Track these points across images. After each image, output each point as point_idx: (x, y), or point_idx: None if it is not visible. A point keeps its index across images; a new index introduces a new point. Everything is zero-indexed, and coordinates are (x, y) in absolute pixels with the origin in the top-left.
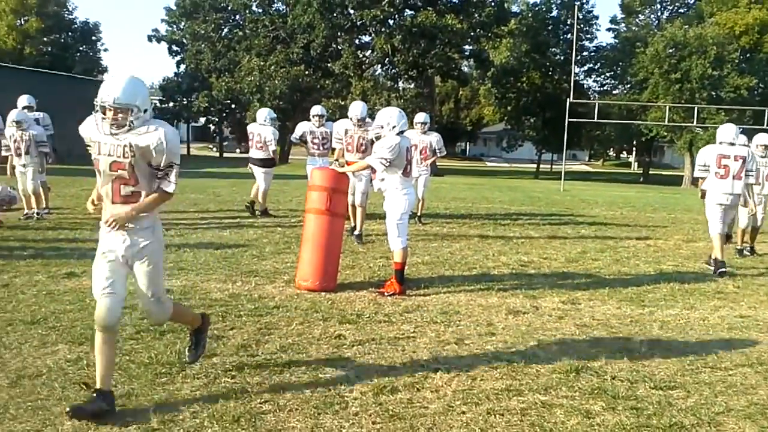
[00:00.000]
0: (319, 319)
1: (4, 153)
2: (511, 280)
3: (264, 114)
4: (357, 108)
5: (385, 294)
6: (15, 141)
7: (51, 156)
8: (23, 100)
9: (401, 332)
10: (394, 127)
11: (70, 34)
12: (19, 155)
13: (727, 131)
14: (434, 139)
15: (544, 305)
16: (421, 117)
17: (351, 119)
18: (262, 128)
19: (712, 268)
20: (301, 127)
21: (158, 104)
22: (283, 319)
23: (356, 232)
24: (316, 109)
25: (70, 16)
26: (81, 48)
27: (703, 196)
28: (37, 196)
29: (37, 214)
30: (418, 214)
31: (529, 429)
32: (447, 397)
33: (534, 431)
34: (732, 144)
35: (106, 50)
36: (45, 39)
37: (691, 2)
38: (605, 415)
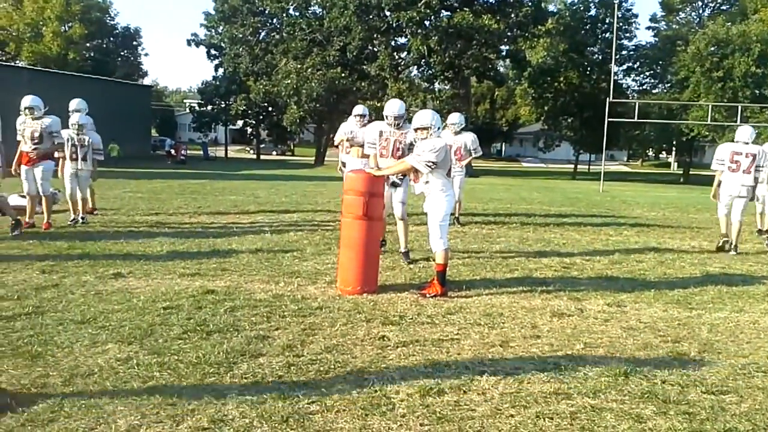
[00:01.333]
0: (362, 321)
1: (56, 155)
2: (554, 281)
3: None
4: (394, 106)
5: (427, 295)
6: (72, 145)
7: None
8: (74, 103)
9: (445, 334)
10: (438, 128)
11: (111, 39)
12: (74, 159)
13: (744, 132)
14: (469, 139)
15: (589, 307)
16: (454, 118)
17: (387, 118)
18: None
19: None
20: (344, 128)
21: (197, 107)
22: (327, 320)
23: (402, 249)
24: (359, 109)
25: (112, 22)
26: (122, 53)
27: (719, 185)
28: (84, 201)
29: (82, 218)
30: (456, 215)
31: None
32: (494, 399)
33: None
34: (746, 143)
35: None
36: (88, 44)
37: None
38: (657, 419)
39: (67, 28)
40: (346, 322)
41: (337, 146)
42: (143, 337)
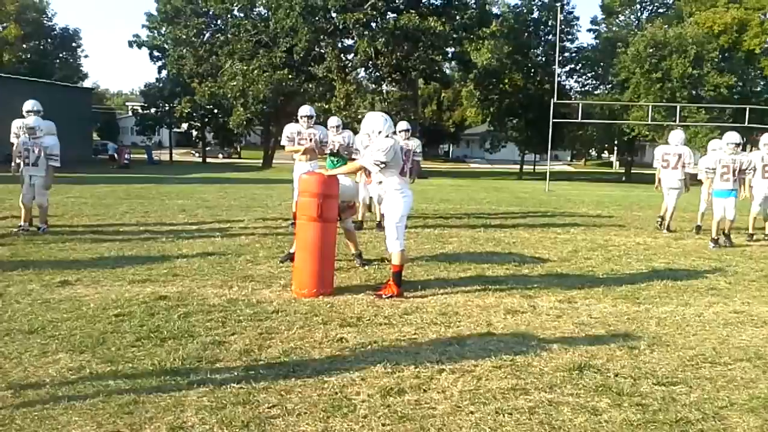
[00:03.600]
0: (320, 323)
1: (17, 161)
2: (507, 280)
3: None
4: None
5: (383, 296)
6: (25, 149)
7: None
8: (29, 104)
9: (402, 334)
10: (380, 132)
11: (49, 40)
12: (27, 165)
13: (675, 136)
14: (414, 144)
15: (541, 304)
16: (403, 125)
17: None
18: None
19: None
20: (290, 129)
21: (140, 110)
22: (284, 324)
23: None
24: (305, 110)
25: (50, 23)
26: (60, 55)
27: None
28: (42, 210)
29: (39, 228)
30: None
31: (538, 427)
32: (454, 397)
33: (543, 429)
34: (676, 145)
35: (86, 57)
36: (24, 46)
37: (671, 2)
38: (612, 411)
39: (1, 29)
40: (303, 325)
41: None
42: (95, 346)
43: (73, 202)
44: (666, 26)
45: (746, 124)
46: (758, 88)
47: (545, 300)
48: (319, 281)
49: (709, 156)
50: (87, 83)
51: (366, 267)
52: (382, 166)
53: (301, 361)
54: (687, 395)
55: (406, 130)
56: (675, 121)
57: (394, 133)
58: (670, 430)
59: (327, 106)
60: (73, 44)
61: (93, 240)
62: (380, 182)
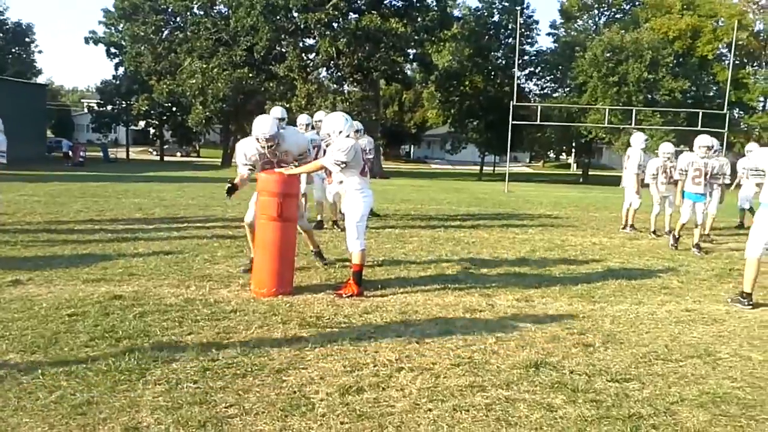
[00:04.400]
0: (279, 322)
1: None
2: (466, 279)
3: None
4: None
5: (344, 295)
6: None
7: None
8: None
9: (362, 333)
10: (341, 132)
11: (1, 35)
12: None
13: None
14: (364, 142)
15: (499, 303)
16: (354, 125)
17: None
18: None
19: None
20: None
21: (96, 107)
22: (242, 323)
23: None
24: (276, 112)
25: (1, 17)
26: (13, 50)
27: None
28: None
29: None
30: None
31: (494, 424)
32: (412, 395)
33: (500, 426)
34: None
35: (40, 52)
36: None
37: (627, 8)
38: (567, 408)
39: None
40: (261, 324)
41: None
42: (47, 346)
43: (25, 200)
44: (623, 31)
45: (699, 128)
46: (711, 93)
47: (503, 299)
48: (279, 280)
49: (656, 161)
50: (41, 79)
51: (326, 265)
52: (343, 165)
53: (259, 360)
54: (640, 391)
55: (357, 131)
56: (631, 124)
57: (358, 132)
58: (624, 425)
59: (288, 106)
60: (27, 39)
61: (46, 239)
62: (341, 182)
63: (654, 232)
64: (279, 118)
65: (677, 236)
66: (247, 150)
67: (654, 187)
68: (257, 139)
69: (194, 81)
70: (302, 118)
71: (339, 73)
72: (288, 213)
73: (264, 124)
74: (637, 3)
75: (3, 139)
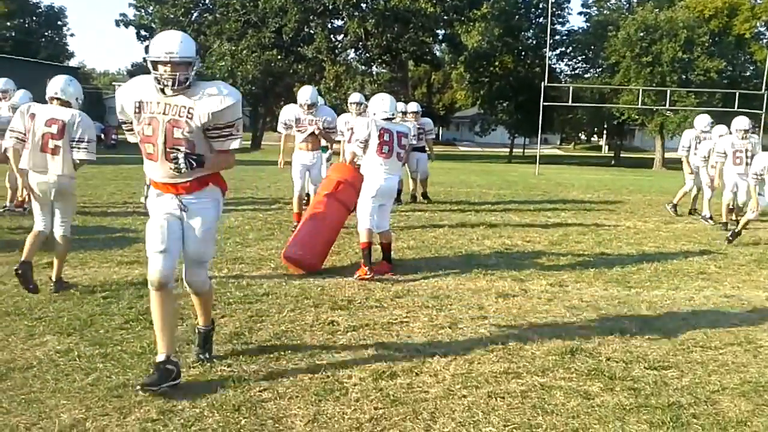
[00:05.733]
0: (311, 306)
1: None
2: (498, 263)
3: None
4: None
5: (355, 277)
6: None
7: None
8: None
9: (394, 317)
10: (375, 113)
11: (34, 18)
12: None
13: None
14: (409, 125)
15: (533, 288)
16: (400, 106)
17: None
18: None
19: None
20: (287, 113)
21: None
22: (274, 306)
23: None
24: (355, 97)
25: (35, 1)
26: (46, 33)
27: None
28: (13, 191)
29: (5, 208)
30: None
31: (530, 411)
32: (446, 381)
33: (536, 413)
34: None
35: (72, 35)
36: (9, 24)
37: None
38: (604, 396)
39: None
40: (294, 308)
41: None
42: (83, 328)
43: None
44: (657, 10)
45: (735, 109)
46: (747, 73)
47: (536, 284)
48: (311, 249)
49: (690, 132)
50: (73, 62)
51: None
52: (363, 146)
53: (292, 344)
54: (679, 379)
55: (403, 113)
56: (665, 105)
57: (406, 114)
58: (663, 414)
59: (317, 87)
60: (59, 23)
61: (80, 221)
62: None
63: (674, 207)
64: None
65: (726, 221)
66: (287, 113)
67: (686, 161)
68: (300, 105)
69: (223, 63)
70: (354, 97)
71: (367, 54)
72: (344, 196)
73: (306, 91)
74: None
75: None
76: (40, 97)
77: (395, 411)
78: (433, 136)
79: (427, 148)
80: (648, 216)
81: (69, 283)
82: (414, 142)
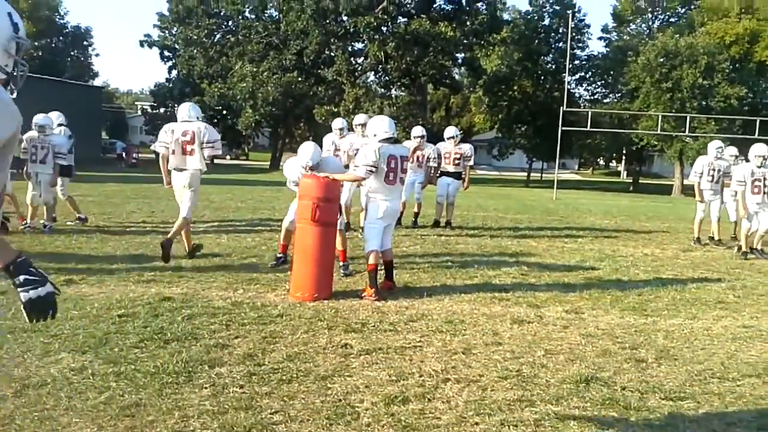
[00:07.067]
0: (324, 328)
1: (22, 157)
2: (513, 288)
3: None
4: (417, 130)
5: (362, 297)
6: (33, 146)
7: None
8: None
9: (407, 341)
10: (375, 135)
11: (61, 38)
12: (33, 162)
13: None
14: (429, 150)
15: (548, 314)
16: (417, 131)
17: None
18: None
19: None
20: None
21: (149, 109)
22: (288, 328)
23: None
24: (338, 123)
25: (62, 21)
26: (72, 53)
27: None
28: (49, 208)
29: (45, 226)
30: (414, 219)
31: None
32: (459, 408)
33: None
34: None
35: (97, 55)
36: (36, 43)
37: (683, 12)
38: (618, 425)
39: None
40: (307, 330)
41: None
42: (98, 346)
43: (80, 201)
44: (677, 36)
45: (756, 136)
46: None
47: (552, 310)
48: (317, 285)
49: (703, 159)
50: (97, 82)
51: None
52: (374, 170)
53: (304, 366)
54: (695, 411)
55: (421, 137)
56: (684, 131)
57: (422, 138)
58: None
59: (336, 110)
60: (85, 43)
61: (99, 239)
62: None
63: (698, 240)
64: (339, 128)
65: (746, 249)
66: (291, 171)
67: (697, 188)
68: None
69: (245, 84)
70: (360, 118)
71: (387, 77)
72: (326, 217)
73: (306, 152)
74: (692, 6)
75: (63, 141)
76: (68, 115)
77: None
78: (472, 163)
79: (464, 174)
80: (666, 243)
81: (197, 245)
82: (450, 168)
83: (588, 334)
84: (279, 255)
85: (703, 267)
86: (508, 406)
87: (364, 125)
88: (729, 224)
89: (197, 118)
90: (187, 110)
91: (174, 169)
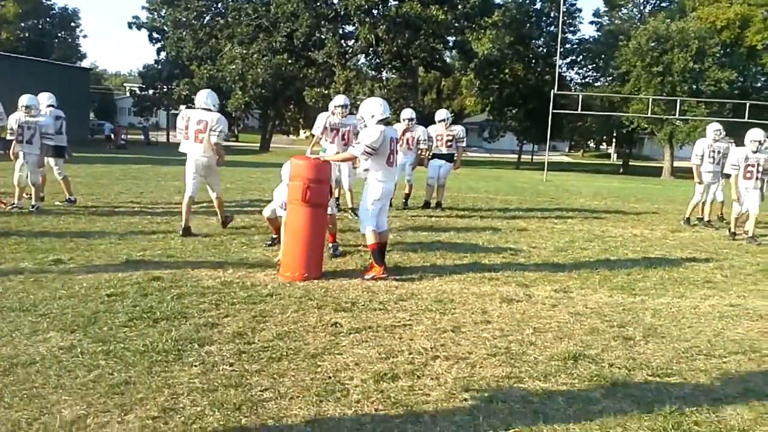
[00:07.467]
0: (314, 307)
1: (8, 137)
2: (503, 268)
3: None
4: (407, 112)
5: (366, 278)
6: (19, 126)
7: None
8: (44, 97)
9: (397, 320)
10: (373, 116)
11: (48, 20)
12: (20, 142)
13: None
14: (420, 131)
15: (537, 293)
16: (407, 113)
17: (404, 121)
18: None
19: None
20: (323, 119)
21: (138, 91)
22: (278, 307)
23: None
24: (339, 99)
25: (49, 2)
26: (59, 34)
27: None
28: (36, 188)
29: (33, 206)
30: (409, 199)
31: (532, 416)
32: (448, 384)
33: (537, 418)
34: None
35: (85, 37)
36: (23, 24)
37: None
38: (606, 402)
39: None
40: (297, 308)
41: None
42: (87, 325)
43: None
44: (669, 20)
45: (746, 119)
46: (758, 84)
47: (541, 289)
48: (307, 265)
49: (703, 141)
50: (85, 63)
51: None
52: (373, 153)
53: (294, 345)
54: (682, 387)
55: (410, 119)
56: (675, 114)
57: (411, 121)
58: (665, 421)
59: (326, 92)
60: (72, 24)
61: (87, 220)
62: (366, 170)
63: (687, 220)
64: (341, 105)
65: (734, 230)
66: (319, 119)
67: (696, 170)
68: (333, 107)
69: (234, 66)
70: (339, 99)
71: (378, 60)
72: (316, 198)
73: (339, 97)
74: None
75: (50, 122)
76: (55, 96)
77: (396, 413)
78: (465, 145)
79: (456, 156)
80: (655, 224)
81: (229, 217)
82: (443, 150)
83: (576, 312)
84: (274, 236)
85: (691, 247)
86: (496, 383)
87: (344, 106)
88: (717, 204)
89: (213, 106)
90: (204, 98)
91: (189, 153)
